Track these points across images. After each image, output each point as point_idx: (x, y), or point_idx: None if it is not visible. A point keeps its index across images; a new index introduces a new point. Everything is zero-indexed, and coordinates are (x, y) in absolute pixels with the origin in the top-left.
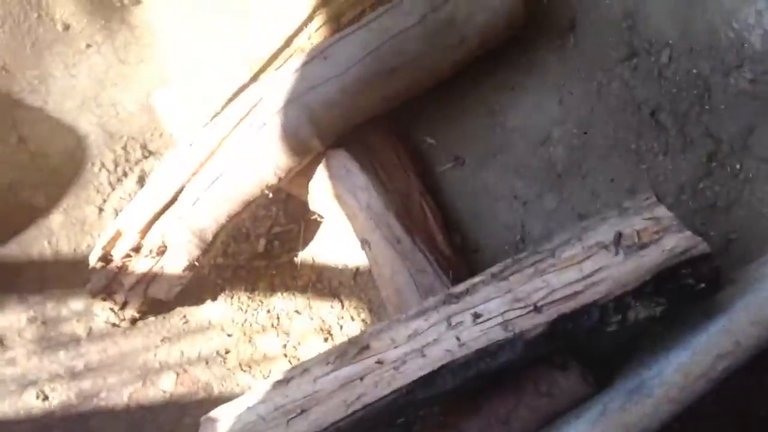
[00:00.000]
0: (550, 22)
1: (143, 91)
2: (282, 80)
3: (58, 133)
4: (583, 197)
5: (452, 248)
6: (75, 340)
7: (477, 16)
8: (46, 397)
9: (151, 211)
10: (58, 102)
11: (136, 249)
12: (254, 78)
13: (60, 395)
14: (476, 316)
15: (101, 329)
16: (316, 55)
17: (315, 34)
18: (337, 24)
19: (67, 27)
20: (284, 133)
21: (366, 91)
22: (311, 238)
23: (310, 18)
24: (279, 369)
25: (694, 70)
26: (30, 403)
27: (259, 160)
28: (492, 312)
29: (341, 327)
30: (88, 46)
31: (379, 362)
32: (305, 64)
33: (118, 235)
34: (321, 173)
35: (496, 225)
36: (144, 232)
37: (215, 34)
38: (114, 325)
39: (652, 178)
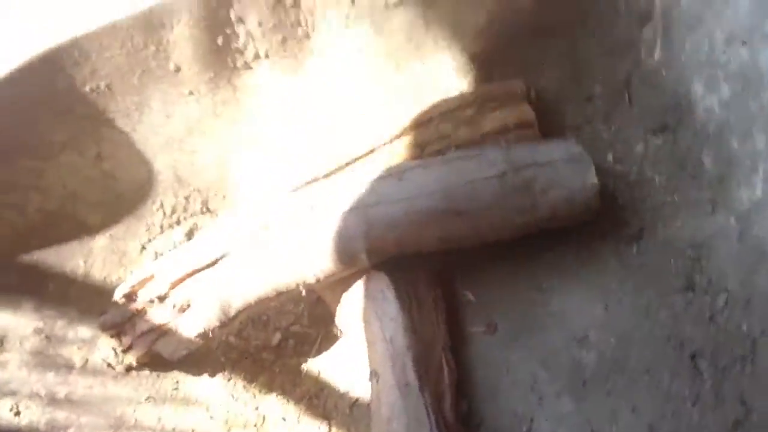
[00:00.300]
0: (620, 225)
1: (225, 149)
2: (352, 185)
3: (134, 162)
4: (601, 414)
5: (456, 414)
6: (68, 367)
7: (554, 190)
8: (18, 413)
9: (188, 267)
10: (145, 134)
11: (162, 298)
12: (328, 174)
13: (31, 415)
14: None
15: (96, 365)
16: (393, 174)
17: (398, 154)
18: (420, 151)
19: (178, 69)
20: (338, 238)
21: (428, 224)
22: (325, 349)
23: (398, 136)
24: None
25: (745, 327)
26: (1, 412)
27: (305, 255)
28: None
29: None
30: (191, 92)
31: None
32: (380, 178)
33: (150, 278)
34: (357, 289)
35: (507, 409)
36: (175, 284)
37: (307, 121)
38: (110, 365)
39: (675, 424)
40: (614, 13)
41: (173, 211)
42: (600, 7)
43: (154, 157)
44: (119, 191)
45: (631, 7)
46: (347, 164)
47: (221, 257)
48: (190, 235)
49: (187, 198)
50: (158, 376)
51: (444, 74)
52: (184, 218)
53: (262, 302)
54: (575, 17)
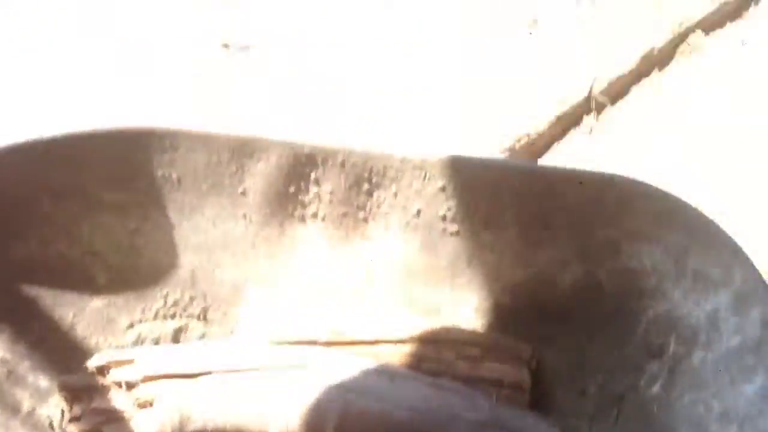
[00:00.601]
0: None
1: (246, 277)
2: (345, 365)
3: (163, 249)
4: None
5: None
6: (14, 410)
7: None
8: None
9: (169, 369)
10: (187, 231)
11: (130, 386)
12: (328, 342)
13: None
14: None
15: (40, 419)
16: (385, 374)
17: (396, 354)
18: (417, 363)
19: (244, 193)
20: (313, 406)
21: None
22: None
23: (402, 341)
24: None
25: None
26: None
27: (277, 407)
28: None
29: None
30: (244, 216)
31: None
32: (371, 371)
33: (129, 362)
34: None
35: None
36: (149, 379)
37: (332, 288)
38: (51, 425)
39: None
40: (632, 333)
41: (174, 305)
42: (621, 323)
43: (184, 253)
44: (137, 267)
45: (649, 337)
46: (350, 343)
47: (202, 374)
48: (177, 332)
49: (191, 299)
50: None
51: (464, 307)
52: (180, 315)
53: (217, 431)
54: (599, 318)
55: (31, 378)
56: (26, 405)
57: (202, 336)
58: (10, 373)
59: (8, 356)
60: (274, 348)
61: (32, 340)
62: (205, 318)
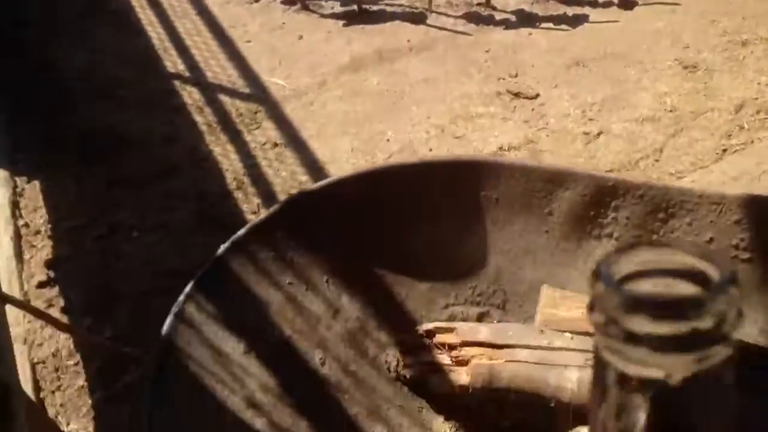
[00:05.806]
0: None
1: (542, 278)
2: None
3: (477, 249)
4: None
5: None
6: (363, 354)
7: None
8: (323, 364)
9: (481, 338)
10: (498, 240)
11: (450, 348)
12: None
13: (330, 371)
14: None
15: (380, 363)
16: None
17: None
18: None
19: (550, 213)
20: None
21: None
22: None
23: None
24: None
25: None
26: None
27: (568, 381)
28: None
29: None
30: (546, 231)
31: None
32: None
33: (450, 330)
34: None
35: None
36: (465, 345)
37: None
38: (388, 369)
39: None
40: None
41: (480, 294)
42: None
43: (492, 255)
44: (455, 261)
45: None
46: None
47: (506, 346)
48: (480, 316)
49: (494, 291)
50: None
51: (751, 327)
52: (484, 303)
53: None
54: None
55: (375, 333)
56: (371, 352)
57: (500, 322)
58: (361, 327)
59: (361, 315)
60: (566, 335)
61: (377, 306)
62: (503, 308)
